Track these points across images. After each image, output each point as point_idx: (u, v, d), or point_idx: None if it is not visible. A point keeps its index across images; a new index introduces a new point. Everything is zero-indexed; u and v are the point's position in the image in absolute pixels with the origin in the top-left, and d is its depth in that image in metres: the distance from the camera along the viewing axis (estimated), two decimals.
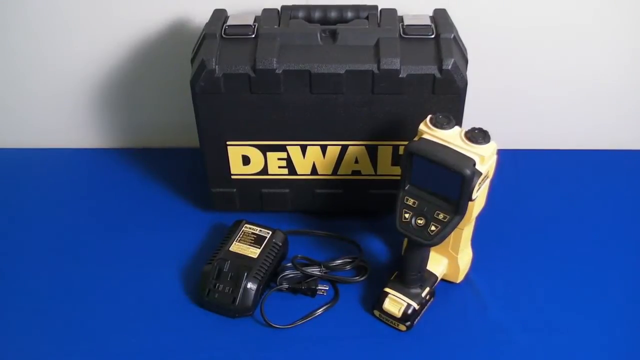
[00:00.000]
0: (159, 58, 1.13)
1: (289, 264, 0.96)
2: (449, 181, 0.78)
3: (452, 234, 0.83)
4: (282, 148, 0.97)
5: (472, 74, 0.92)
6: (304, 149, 0.97)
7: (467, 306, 0.92)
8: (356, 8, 0.95)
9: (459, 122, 0.90)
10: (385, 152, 0.96)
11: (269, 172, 0.99)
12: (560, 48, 1.10)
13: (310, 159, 0.98)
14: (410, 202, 0.82)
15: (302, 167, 0.99)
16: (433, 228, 0.81)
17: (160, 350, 0.86)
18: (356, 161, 0.98)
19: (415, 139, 0.83)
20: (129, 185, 1.13)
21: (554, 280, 0.95)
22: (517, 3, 1.06)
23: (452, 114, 0.83)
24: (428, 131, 0.82)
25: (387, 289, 0.89)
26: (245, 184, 1.01)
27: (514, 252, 0.99)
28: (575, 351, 0.86)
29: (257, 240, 0.95)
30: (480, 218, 0.89)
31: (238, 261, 0.91)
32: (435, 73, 0.88)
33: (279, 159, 0.98)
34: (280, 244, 0.95)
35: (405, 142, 0.82)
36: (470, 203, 0.80)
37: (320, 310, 0.91)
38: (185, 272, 0.97)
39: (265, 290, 0.93)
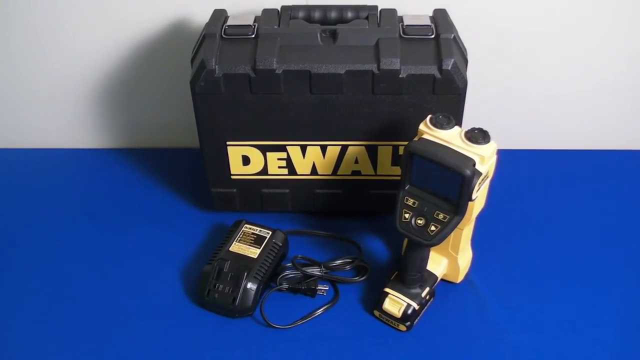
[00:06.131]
0: (159, 58, 1.13)
1: (289, 264, 0.96)
2: (449, 181, 0.78)
3: (452, 234, 0.83)
4: (282, 148, 0.97)
5: (472, 74, 0.92)
6: (303, 149, 0.97)
7: (467, 306, 0.92)
8: (356, 8, 0.95)
9: (459, 122, 0.90)
10: (385, 152, 0.96)
11: (269, 172, 0.99)
12: (560, 48, 1.10)
13: (310, 159, 0.98)
14: (410, 202, 0.82)
15: (302, 167, 0.99)
16: (433, 228, 0.81)
17: (161, 350, 0.86)
18: (356, 161, 0.98)
19: (415, 139, 0.83)
20: (129, 185, 1.13)
21: (554, 280, 0.95)
22: (517, 3, 1.06)
23: (452, 114, 0.83)
24: (428, 131, 0.82)
25: (387, 289, 0.89)
26: (245, 184, 1.01)
27: (514, 252, 0.99)
28: (575, 351, 0.86)
29: (257, 240, 0.95)
30: (480, 218, 0.89)
31: (238, 261, 0.91)
32: (435, 73, 0.88)
33: (278, 159, 0.98)
34: (280, 244, 0.95)
35: (405, 142, 0.82)
36: (470, 203, 0.80)
37: (320, 310, 0.91)
38: (185, 272, 0.97)
39: (265, 290, 0.93)
